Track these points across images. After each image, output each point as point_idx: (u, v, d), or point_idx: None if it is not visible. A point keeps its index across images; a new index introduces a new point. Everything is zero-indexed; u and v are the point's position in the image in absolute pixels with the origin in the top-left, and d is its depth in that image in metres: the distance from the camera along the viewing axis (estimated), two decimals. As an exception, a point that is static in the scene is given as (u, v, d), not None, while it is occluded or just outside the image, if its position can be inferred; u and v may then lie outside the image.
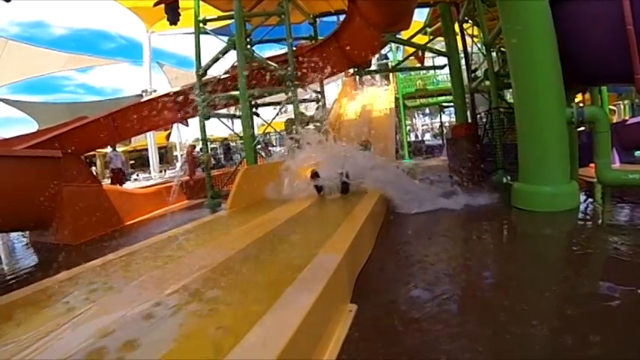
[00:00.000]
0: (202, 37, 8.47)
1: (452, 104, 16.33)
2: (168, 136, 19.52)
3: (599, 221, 4.17)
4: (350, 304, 2.22)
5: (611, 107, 13.88)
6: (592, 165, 5.56)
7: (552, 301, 2.16)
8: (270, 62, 7.91)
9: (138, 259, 2.78)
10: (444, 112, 18.87)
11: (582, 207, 4.69)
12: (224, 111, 9.36)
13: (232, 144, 15.48)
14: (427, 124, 24.81)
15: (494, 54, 8.35)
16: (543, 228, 3.93)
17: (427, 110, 22.02)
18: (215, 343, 1.48)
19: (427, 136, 23.11)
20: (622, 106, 15.61)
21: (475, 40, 9.77)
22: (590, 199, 5.20)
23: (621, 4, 4.43)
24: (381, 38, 7.89)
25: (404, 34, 9.91)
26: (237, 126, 14.65)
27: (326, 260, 2.25)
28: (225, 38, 8.54)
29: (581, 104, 8.57)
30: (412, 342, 1.81)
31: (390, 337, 1.87)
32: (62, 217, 5.80)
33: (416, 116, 23.11)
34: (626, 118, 14.29)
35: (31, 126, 15.43)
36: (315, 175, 5.01)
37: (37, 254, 5.58)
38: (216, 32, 8.63)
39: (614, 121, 12.35)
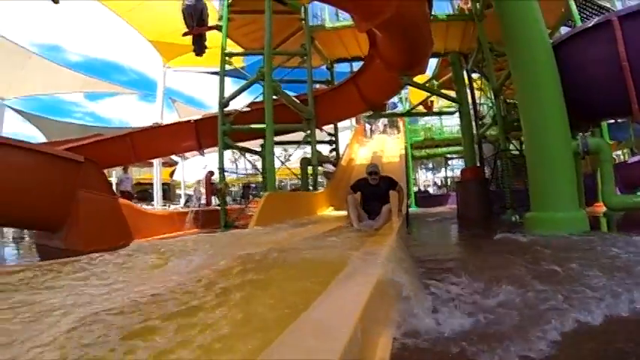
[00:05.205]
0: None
1: (456, 156, 16.97)
2: (172, 174, 19.57)
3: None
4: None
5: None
6: (597, 204, 5.87)
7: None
8: (294, 99, 8.17)
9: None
10: (448, 165, 19.32)
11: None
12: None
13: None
14: (429, 180, 25.33)
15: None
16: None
17: (430, 165, 22.67)
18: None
19: (429, 190, 23.50)
20: (621, 154, 16.14)
21: (480, 93, 10.40)
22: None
23: (616, 44, 5.04)
24: (399, 81, 8.33)
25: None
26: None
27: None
28: (240, 82, 8.96)
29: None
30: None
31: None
32: (75, 222, 5.65)
33: (418, 170, 23.65)
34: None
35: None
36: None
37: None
38: (231, 75, 8.99)
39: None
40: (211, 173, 9.11)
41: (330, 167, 11.00)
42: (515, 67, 5.81)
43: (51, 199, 5.51)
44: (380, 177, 5.24)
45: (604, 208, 6.35)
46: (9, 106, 14.39)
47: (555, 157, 5.13)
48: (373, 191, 5.08)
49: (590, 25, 5.69)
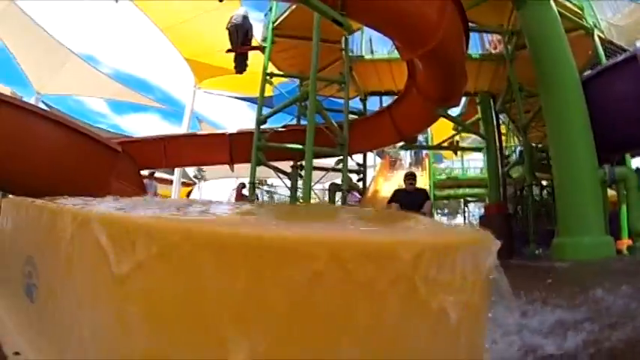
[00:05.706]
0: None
1: (474, 199, 17.04)
2: (188, 194, 19.54)
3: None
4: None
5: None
6: (619, 241, 6.10)
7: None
8: (332, 121, 8.28)
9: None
10: (467, 207, 19.25)
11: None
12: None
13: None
14: (444, 226, 24.86)
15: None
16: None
17: (445, 210, 22.74)
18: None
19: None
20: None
21: (505, 137, 10.72)
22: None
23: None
24: (433, 113, 8.58)
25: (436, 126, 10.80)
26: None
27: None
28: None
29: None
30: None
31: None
32: (104, 211, 5.57)
33: (435, 215, 23.43)
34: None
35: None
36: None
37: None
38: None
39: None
40: (242, 185, 9.18)
41: (354, 196, 11.01)
42: (545, 97, 6.45)
43: (86, 184, 5.44)
44: (415, 187, 5.60)
45: (626, 245, 6.49)
46: (43, 101, 14.87)
47: (584, 184, 5.54)
48: (411, 200, 5.22)
49: (616, 61, 6.38)
